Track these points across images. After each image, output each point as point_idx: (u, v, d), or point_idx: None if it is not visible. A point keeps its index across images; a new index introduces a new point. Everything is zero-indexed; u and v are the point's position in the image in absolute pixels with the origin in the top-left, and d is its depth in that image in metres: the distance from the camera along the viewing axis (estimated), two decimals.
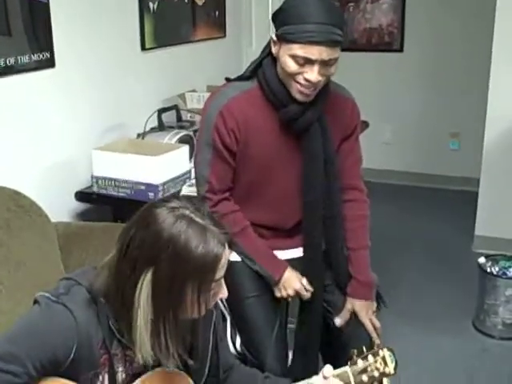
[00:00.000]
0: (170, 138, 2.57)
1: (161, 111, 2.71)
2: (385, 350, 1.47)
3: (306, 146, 1.70)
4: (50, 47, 2.35)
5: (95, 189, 2.40)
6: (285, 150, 1.71)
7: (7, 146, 2.23)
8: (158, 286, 1.15)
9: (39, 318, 1.18)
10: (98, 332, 1.20)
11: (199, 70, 3.51)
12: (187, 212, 1.18)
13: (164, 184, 2.28)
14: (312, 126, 1.68)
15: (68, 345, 1.15)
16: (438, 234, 3.89)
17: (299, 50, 1.53)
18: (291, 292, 1.77)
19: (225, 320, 1.83)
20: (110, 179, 2.34)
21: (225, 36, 3.92)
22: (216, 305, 1.44)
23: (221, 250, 1.18)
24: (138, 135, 2.70)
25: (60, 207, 2.42)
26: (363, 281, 1.80)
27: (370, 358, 1.45)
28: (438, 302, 3.09)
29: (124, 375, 1.27)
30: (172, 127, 2.76)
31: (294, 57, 1.55)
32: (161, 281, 1.15)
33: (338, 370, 1.41)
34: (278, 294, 1.79)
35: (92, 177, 2.40)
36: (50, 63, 2.37)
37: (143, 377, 1.25)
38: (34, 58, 2.29)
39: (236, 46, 4.16)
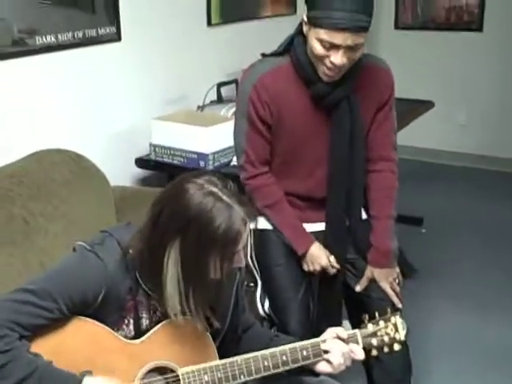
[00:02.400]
0: (227, 110, 2.68)
1: (220, 85, 2.82)
2: (397, 316, 1.53)
3: (334, 120, 1.77)
4: (116, 22, 2.52)
5: (153, 156, 2.55)
6: (315, 123, 1.77)
7: (74, 112, 2.42)
8: (184, 255, 1.26)
9: (73, 262, 1.32)
10: (126, 280, 1.33)
11: (265, 46, 3.54)
12: (215, 189, 1.27)
13: (214, 154, 2.40)
14: (341, 103, 1.74)
15: (97, 288, 1.28)
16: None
17: (325, 35, 1.58)
18: (317, 267, 1.85)
19: (256, 284, 1.94)
20: (166, 148, 2.49)
21: (295, 13, 3.95)
22: (241, 268, 1.54)
23: (242, 227, 1.28)
24: (198, 107, 2.83)
25: (121, 173, 2.59)
26: (381, 249, 1.85)
27: (381, 323, 1.52)
28: (493, 289, 3.07)
29: (148, 321, 1.39)
30: (230, 101, 2.86)
31: (320, 41, 1.60)
32: (187, 250, 1.26)
33: (348, 332, 1.47)
34: (305, 268, 1.87)
35: (150, 145, 2.55)
36: (116, 37, 2.54)
37: (164, 322, 1.37)
38: (101, 32, 2.45)
39: None
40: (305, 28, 1.67)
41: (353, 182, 1.84)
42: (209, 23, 3.10)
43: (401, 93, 3.65)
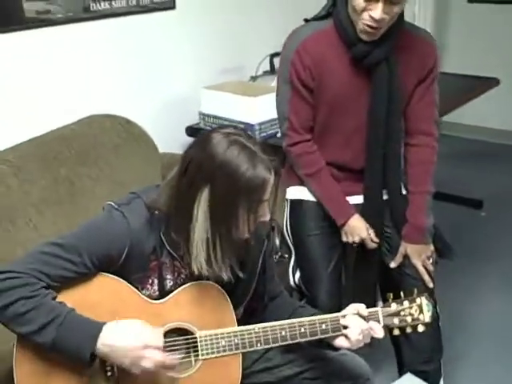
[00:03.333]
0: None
1: (273, 55, 2.80)
2: (422, 298, 1.51)
3: (373, 83, 1.75)
4: None
5: (202, 125, 2.59)
6: (355, 86, 1.76)
7: (128, 79, 2.49)
8: (213, 203, 1.29)
9: (100, 220, 1.38)
10: (150, 240, 1.37)
11: None
12: (240, 139, 1.30)
13: (261, 124, 2.41)
14: (379, 65, 1.72)
15: (121, 246, 1.34)
16: None
17: None
18: (357, 239, 1.84)
19: (290, 255, 1.95)
20: (215, 117, 2.52)
21: None
22: (269, 236, 1.55)
23: (268, 175, 1.30)
24: (251, 77, 2.83)
25: (171, 140, 2.64)
26: (416, 224, 1.83)
27: (406, 303, 1.50)
28: None
29: (172, 283, 1.43)
30: None
31: None
32: (215, 198, 1.29)
33: (370, 309, 1.47)
34: (344, 239, 1.87)
35: (200, 113, 2.59)
36: (171, 5, 2.57)
37: (184, 286, 1.41)
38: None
39: None
40: None
41: (389, 153, 1.82)
42: None
43: (467, 69, 3.56)
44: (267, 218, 1.36)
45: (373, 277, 1.91)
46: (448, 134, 4.94)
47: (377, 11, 1.59)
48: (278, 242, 2.07)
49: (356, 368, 1.60)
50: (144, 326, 1.31)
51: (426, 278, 1.84)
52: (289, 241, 1.94)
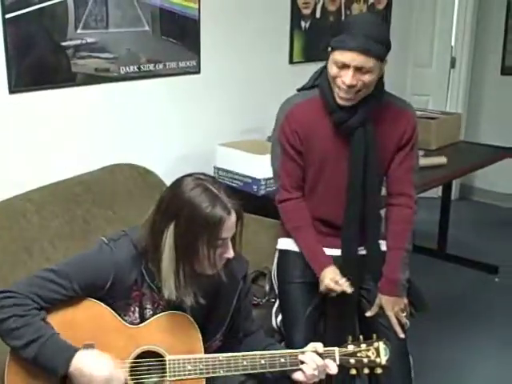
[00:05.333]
0: None
1: None
2: (380, 342, 1.64)
3: (350, 148, 1.93)
4: (197, 56, 2.85)
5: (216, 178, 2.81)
6: (337, 149, 1.96)
7: (152, 132, 2.77)
8: (177, 237, 1.49)
9: (91, 252, 1.60)
10: (132, 272, 1.57)
11: None
12: (205, 183, 1.51)
13: (266, 180, 2.61)
14: (356, 132, 1.91)
15: (106, 276, 1.54)
16: None
17: (338, 55, 1.80)
18: (322, 287, 1.95)
19: (275, 299, 2.11)
20: (227, 171, 2.75)
21: None
22: (245, 277, 1.73)
23: (225, 214, 1.49)
24: (268, 137, 3.06)
25: None
26: (390, 278, 1.96)
27: (363, 345, 1.63)
28: None
29: (152, 312, 1.61)
30: None
31: (334, 62, 1.82)
32: (179, 233, 1.49)
33: (327, 348, 1.60)
34: (320, 288, 1.98)
35: (214, 167, 2.83)
36: (196, 69, 2.86)
37: (159, 315, 1.59)
38: (182, 64, 2.79)
39: (398, 64, 4.27)
40: (329, 56, 1.87)
41: (368, 212, 1.98)
42: (290, 61, 3.35)
43: (499, 140, 3.68)
44: (230, 255, 1.54)
45: (351, 325, 2.03)
46: (473, 200, 5.02)
47: (347, 77, 1.80)
48: (267, 287, 2.23)
49: None
50: (112, 360, 1.49)
51: (398, 329, 1.94)
52: (275, 286, 2.10)
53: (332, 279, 1.92)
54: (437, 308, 3.27)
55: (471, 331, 3.09)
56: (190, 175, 1.55)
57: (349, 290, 1.92)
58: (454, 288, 3.57)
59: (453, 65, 4.88)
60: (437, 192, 4.22)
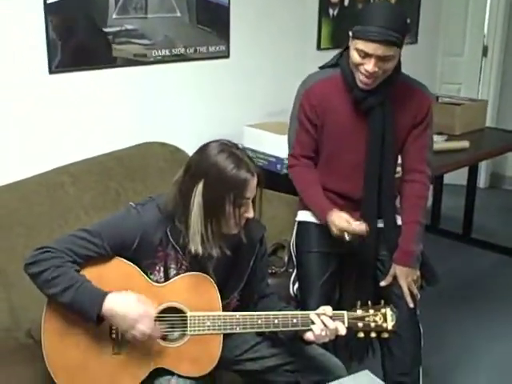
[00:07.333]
0: None
1: None
2: (387, 308, 1.74)
3: (368, 125, 2.03)
4: (227, 41, 2.97)
5: None
6: (355, 125, 2.05)
7: (185, 113, 2.91)
8: (205, 195, 1.62)
9: (120, 214, 1.75)
10: (158, 233, 1.71)
11: None
12: (232, 149, 1.65)
13: None
14: (374, 109, 2.01)
15: (133, 236, 1.68)
16: None
17: (361, 45, 1.88)
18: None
19: (293, 269, 2.23)
20: (253, 151, 2.87)
21: (416, 42, 4.13)
22: (262, 240, 1.85)
23: (249, 176, 1.63)
24: None
25: None
26: (405, 249, 2.06)
27: (371, 310, 1.73)
28: None
29: (175, 272, 1.74)
30: None
31: (357, 50, 1.90)
32: (207, 191, 1.62)
33: (336, 312, 1.71)
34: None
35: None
36: (225, 54, 2.99)
37: (183, 275, 1.73)
38: (211, 49, 2.91)
39: (428, 53, 4.31)
40: (349, 42, 1.96)
41: (384, 186, 2.07)
42: (318, 47, 3.44)
43: None
44: (251, 215, 1.68)
45: (365, 294, 2.12)
46: (503, 188, 5.03)
47: (370, 65, 1.88)
48: (286, 258, 2.34)
49: (330, 366, 1.83)
50: (140, 298, 1.64)
51: (409, 299, 2.04)
52: (293, 256, 2.22)
53: (340, 217, 1.99)
54: (460, 290, 3.35)
55: (494, 314, 3.15)
56: (215, 141, 1.68)
57: (363, 227, 1.95)
58: (477, 271, 3.63)
59: (485, 53, 4.89)
60: (465, 179, 4.26)
